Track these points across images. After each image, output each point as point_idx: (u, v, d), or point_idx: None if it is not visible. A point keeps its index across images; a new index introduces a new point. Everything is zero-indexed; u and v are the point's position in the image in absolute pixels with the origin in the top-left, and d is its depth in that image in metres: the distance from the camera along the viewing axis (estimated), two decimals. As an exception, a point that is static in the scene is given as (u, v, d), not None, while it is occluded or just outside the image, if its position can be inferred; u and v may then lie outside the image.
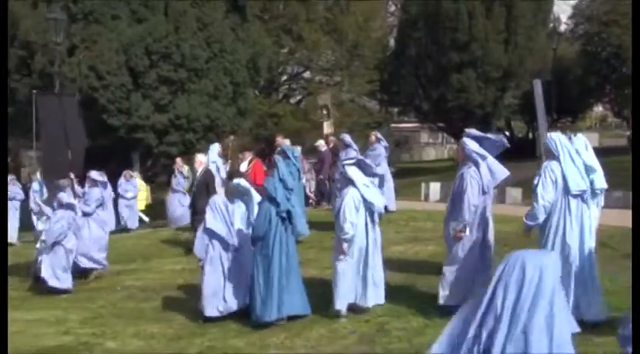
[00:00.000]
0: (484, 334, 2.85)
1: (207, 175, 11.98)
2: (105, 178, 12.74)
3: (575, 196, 6.48)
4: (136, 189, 17.35)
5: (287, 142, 13.75)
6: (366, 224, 7.39)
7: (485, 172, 7.09)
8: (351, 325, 7.34)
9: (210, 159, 14.14)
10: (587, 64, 30.56)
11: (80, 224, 10.79)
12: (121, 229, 16.53)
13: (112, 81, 18.37)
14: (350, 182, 7.48)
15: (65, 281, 10.27)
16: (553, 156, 6.59)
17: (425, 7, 26.97)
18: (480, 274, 6.90)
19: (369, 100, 32.29)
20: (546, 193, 6.45)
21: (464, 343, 2.91)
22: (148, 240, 14.61)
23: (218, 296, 7.96)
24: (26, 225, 17.29)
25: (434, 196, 16.71)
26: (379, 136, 13.75)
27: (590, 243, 6.56)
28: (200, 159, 12.35)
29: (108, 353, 7.32)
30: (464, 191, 6.93)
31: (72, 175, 13.56)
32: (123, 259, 12.63)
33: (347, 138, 13.52)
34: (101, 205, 11.83)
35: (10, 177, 18.06)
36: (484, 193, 7.04)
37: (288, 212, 7.73)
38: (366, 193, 7.40)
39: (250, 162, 12.92)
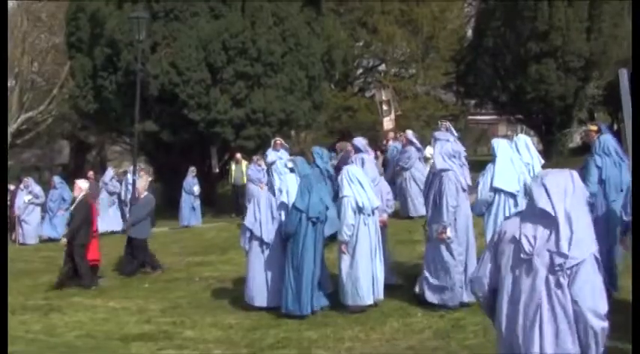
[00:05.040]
0: None
1: (85, 206, 10.77)
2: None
3: (508, 194, 7.55)
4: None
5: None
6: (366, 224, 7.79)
7: (460, 172, 7.63)
8: (426, 320, 7.31)
9: (266, 152, 14.52)
10: (677, 51, 29.07)
11: None
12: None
13: (191, 76, 18.79)
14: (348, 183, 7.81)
15: None
16: (493, 159, 7.74)
17: (503, -4, 26.34)
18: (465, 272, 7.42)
19: (445, 93, 31.80)
20: (485, 189, 7.60)
21: None
22: (227, 232, 14.96)
23: (258, 288, 8.27)
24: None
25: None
26: (410, 137, 13.43)
27: None
28: (80, 185, 11.10)
29: (187, 342, 7.54)
30: (443, 193, 7.32)
31: None
32: (200, 250, 12.98)
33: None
34: None
35: (112, 171, 19.05)
36: (463, 190, 7.55)
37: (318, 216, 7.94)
38: (361, 194, 7.75)
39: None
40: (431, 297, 7.55)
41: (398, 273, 9.00)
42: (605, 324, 3.31)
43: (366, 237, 7.78)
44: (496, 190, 7.63)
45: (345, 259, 7.78)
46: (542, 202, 3.40)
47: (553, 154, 25.51)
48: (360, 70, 30.90)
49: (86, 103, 20.30)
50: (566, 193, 3.39)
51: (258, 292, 8.27)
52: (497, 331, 3.59)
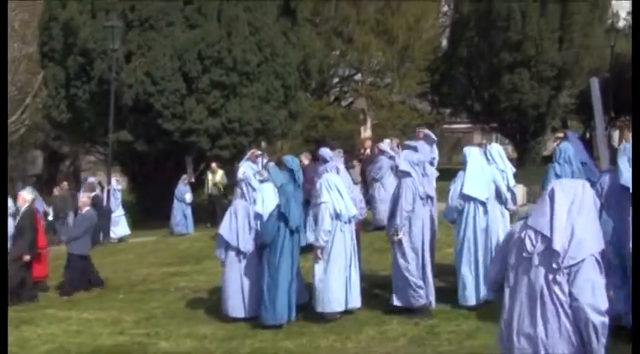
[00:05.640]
0: None
1: (30, 218, 10.59)
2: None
3: (478, 201, 7.63)
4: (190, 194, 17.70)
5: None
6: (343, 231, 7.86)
7: (420, 181, 7.74)
8: (401, 327, 7.33)
9: (240, 163, 14.55)
10: (646, 61, 29.60)
11: None
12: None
13: (166, 86, 18.70)
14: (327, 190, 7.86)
15: None
16: (464, 166, 7.82)
17: (477, 7, 26.66)
18: (422, 276, 7.58)
19: (420, 102, 32.03)
20: (455, 196, 7.72)
21: None
22: (201, 242, 14.86)
23: (237, 298, 8.21)
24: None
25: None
26: (383, 148, 13.36)
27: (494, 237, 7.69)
28: (24, 196, 10.97)
29: (161, 353, 7.47)
30: (399, 198, 7.54)
31: None
32: (176, 261, 12.89)
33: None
34: None
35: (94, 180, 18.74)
36: (420, 198, 7.64)
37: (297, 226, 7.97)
38: (339, 201, 7.83)
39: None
40: (396, 301, 7.68)
41: (374, 281, 9.02)
42: (606, 319, 3.61)
43: (342, 244, 7.81)
44: (465, 197, 7.71)
45: (320, 265, 7.79)
46: (546, 209, 3.80)
47: (527, 162, 25.82)
48: (336, 80, 30.98)
49: (59, 113, 20.10)
50: (573, 200, 3.76)
51: (236, 302, 8.21)
52: (502, 321, 3.92)
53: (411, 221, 7.53)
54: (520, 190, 15.51)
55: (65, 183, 19.94)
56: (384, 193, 12.61)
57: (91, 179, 19.05)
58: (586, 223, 3.72)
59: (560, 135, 8.51)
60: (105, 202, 17.27)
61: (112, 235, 17.22)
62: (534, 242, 3.76)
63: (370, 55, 28.26)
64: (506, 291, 3.87)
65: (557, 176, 7.62)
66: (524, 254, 3.80)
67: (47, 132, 29.48)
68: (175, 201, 17.23)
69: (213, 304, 9.04)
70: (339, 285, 7.74)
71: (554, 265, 3.66)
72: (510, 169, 8.56)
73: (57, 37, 20.25)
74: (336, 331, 7.47)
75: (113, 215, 17.35)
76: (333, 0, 27.81)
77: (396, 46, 27.61)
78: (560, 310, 3.65)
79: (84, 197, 11.75)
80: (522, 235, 3.85)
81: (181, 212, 17.22)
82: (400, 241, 7.55)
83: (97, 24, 19.09)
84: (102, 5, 19.59)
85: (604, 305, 3.62)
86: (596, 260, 3.68)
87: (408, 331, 7.17)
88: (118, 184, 17.91)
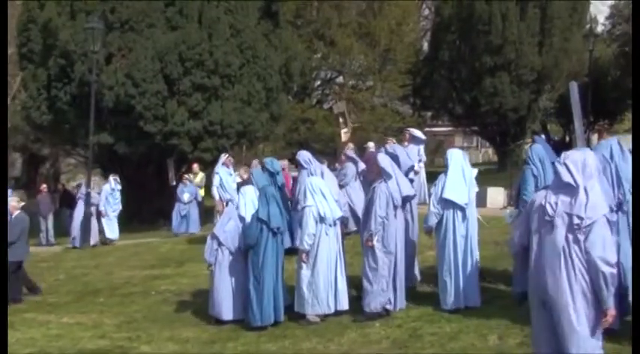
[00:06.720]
0: None
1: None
2: None
3: (457, 206, 7.58)
4: (192, 194, 17.26)
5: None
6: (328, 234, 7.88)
7: (395, 187, 7.71)
8: (383, 330, 7.34)
9: (215, 169, 14.47)
10: (625, 65, 30.05)
11: None
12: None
13: (147, 88, 18.58)
14: (311, 193, 7.89)
15: None
16: (445, 170, 7.80)
17: (458, 10, 26.84)
18: (396, 282, 7.64)
19: (401, 105, 32.17)
20: (436, 201, 7.67)
21: None
22: (183, 245, 14.80)
23: (227, 300, 8.17)
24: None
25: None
26: (349, 154, 13.14)
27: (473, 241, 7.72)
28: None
29: (143, 357, 7.42)
30: (373, 203, 7.54)
31: None
32: (158, 264, 12.82)
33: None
34: None
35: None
36: (395, 206, 7.64)
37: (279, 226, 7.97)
38: (323, 204, 7.84)
39: None
40: (363, 302, 7.73)
41: (356, 284, 9.02)
42: (614, 270, 4.16)
43: (327, 246, 7.83)
44: (445, 203, 7.64)
45: (306, 268, 7.80)
46: (567, 177, 4.37)
47: (508, 165, 26.02)
48: (318, 82, 31.06)
49: (39, 115, 19.89)
50: (583, 167, 4.36)
51: (226, 305, 8.18)
52: (529, 279, 4.47)
53: (384, 226, 7.54)
54: (501, 194, 15.62)
55: (44, 185, 19.72)
56: (347, 201, 12.39)
57: (81, 182, 18.70)
58: (597, 186, 4.33)
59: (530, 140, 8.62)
60: (99, 205, 16.99)
61: (109, 235, 17.01)
62: (554, 207, 4.33)
63: (352, 58, 28.38)
64: (532, 254, 4.40)
65: (535, 177, 7.67)
66: (546, 218, 4.35)
67: (27, 134, 29.20)
68: (176, 202, 17.02)
69: (195, 307, 9.00)
70: (325, 287, 7.77)
71: (575, 226, 4.22)
72: (472, 173, 8.57)
73: (36, 38, 20.06)
74: (318, 333, 7.47)
75: (112, 215, 17.11)
76: (315, 2, 27.89)
77: (378, 49, 27.74)
78: (578, 264, 4.17)
79: (12, 201, 11.14)
80: (543, 202, 4.42)
81: (178, 213, 16.96)
82: (372, 247, 7.57)
83: (77, 25, 18.94)
84: (81, 7, 19.45)
85: (613, 258, 4.17)
86: (607, 219, 4.24)
87: (391, 334, 7.18)
88: (116, 183, 17.46)
